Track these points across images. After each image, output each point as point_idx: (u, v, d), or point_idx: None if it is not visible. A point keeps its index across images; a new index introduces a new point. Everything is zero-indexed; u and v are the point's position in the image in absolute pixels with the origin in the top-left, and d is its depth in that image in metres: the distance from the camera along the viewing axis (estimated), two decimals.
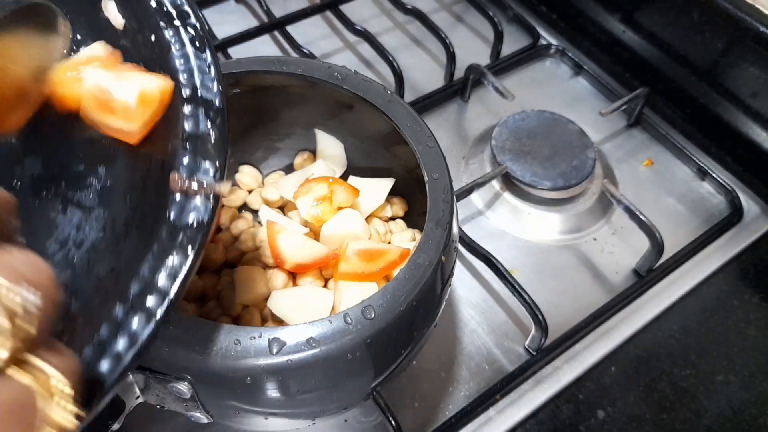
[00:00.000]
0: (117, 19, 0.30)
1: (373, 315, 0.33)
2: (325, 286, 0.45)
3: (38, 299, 0.17)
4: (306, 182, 0.48)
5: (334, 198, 0.46)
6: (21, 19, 0.27)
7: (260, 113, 0.49)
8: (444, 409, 0.48)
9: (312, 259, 0.43)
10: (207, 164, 0.27)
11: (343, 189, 0.46)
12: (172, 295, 0.25)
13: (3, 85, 0.27)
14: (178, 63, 0.28)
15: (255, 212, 0.51)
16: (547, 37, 0.76)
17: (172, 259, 0.25)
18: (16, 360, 0.17)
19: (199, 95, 0.28)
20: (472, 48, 0.74)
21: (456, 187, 0.52)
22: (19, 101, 0.28)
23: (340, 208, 0.47)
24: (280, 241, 0.43)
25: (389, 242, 0.48)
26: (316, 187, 0.47)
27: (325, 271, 0.45)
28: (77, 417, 0.18)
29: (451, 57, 0.68)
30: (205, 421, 0.36)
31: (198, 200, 0.27)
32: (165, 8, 0.29)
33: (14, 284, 0.17)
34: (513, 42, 0.74)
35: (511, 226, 0.59)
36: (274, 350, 0.31)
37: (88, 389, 0.21)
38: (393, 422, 0.43)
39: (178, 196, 0.26)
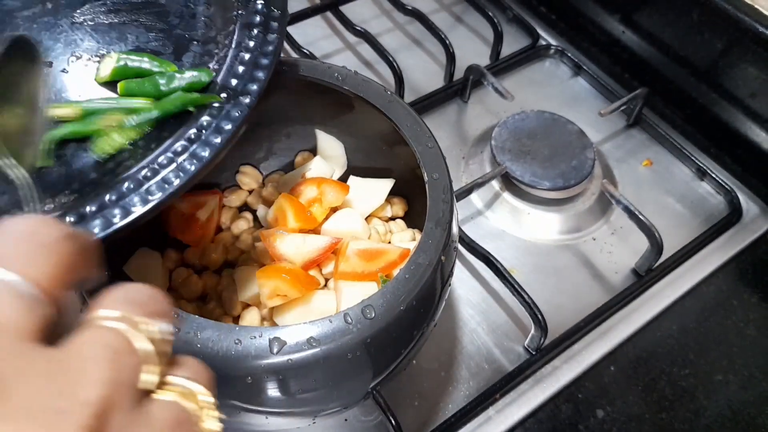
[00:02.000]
0: None
1: (373, 315, 0.33)
2: (325, 286, 0.45)
3: (169, 327, 0.20)
4: (297, 186, 0.48)
5: (324, 198, 0.46)
6: (12, 57, 0.29)
7: (261, 113, 0.50)
8: (444, 409, 0.48)
9: (316, 253, 0.44)
10: None
11: (332, 188, 0.47)
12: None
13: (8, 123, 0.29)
14: None
15: (255, 212, 0.51)
16: (547, 38, 0.76)
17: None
18: (162, 383, 0.19)
19: None
20: (472, 48, 0.74)
21: (456, 187, 0.52)
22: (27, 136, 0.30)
23: (333, 209, 0.47)
24: (279, 246, 0.43)
25: (389, 242, 0.48)
26: (307, 190, 0.47)
27: (325, 270, 0.45)
28: (220, 420, 0.20)
29: (451, 57, 0.68)
30: None
31: None
32: None
33: (147, 317, 0.19)
34: (513, 42, 0.74)
35: (511, 226, 0.59)
36: (275, 350, 0.31)
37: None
38: (393, 421, 0.43)
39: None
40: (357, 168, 0.51)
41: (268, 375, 0.32)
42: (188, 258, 0.48)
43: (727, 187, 0.62)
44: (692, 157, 0.64)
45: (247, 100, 0.36)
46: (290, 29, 0.71)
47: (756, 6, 0.58)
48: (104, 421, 0.16)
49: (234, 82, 0.37)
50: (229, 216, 0.50)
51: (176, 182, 0.32)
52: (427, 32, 0.70)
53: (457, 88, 0.69)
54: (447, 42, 0.68)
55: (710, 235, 0.59)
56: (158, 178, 0.32)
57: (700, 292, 0.56)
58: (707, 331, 0.53)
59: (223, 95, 0.36)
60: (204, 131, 0.34)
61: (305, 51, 0.68)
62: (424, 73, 0.71)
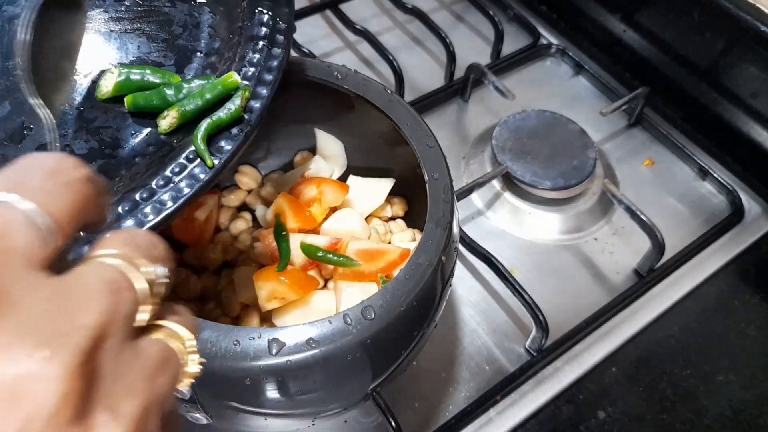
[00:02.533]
0: None
1: (373, 315, 0.33)
2: (324, 286, 0.45)
3: (167, 271, 0.21)
4: (296, 185, 0.48)
5: (323, 198, 0.46)
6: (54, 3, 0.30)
7: None
8: (444, 410, 0.48)
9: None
10: None
11: (332, 188, 0.46)
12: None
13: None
14: None
15: (254, 212, 0.51)
16: (548, 37, 0.76)
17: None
18: (154, 325, 0.21)
19: None
20: (473, 47, 0.74)
21: (456, 186, 0.52)
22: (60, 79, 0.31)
23: (333, 209, 0.47)
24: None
25: (389, 242, 0.48)
26: (306, 189, 0.47)
27: (324, 271, 0.45)
28: (201, 363, 0.22)
29: (452, 56, 0.68)
30: (205, 421, 0.36)
31: None
32: None
33: (147, 260, 0.21)
34: (513, 41, 0.74)
35: (512, 226, 0.59)
36: (274, 351, 0.31)
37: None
38: (393, 423, 0.43)
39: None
40: (357, 168, 0.51)
41: (267, 376, 0.32)
42: (187, 258, 0.48)
43: (728, 186, 0.62)
44: (694, 157, 0.64)
45: (250, 118, 0.36)
46: None
47: (757, 5, 0.58)
48: (98, 346, 0.17)
49: None
50: (228, 216, 0.50)
51: (169, 204, 0.32)
52: (427, 31, 0.70)
53: (458, 88, 0.69)
54: (447, 41, 0.68)
55: (712, 236, 0.58)
56: (154, 199, 0.33)
57: (701, 292, 0.56)
58: (709, 331, 0.53)
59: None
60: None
61: (305, 50, 0.68)
62: (424, 72, 0.71)
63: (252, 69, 0.37)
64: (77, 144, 0.34)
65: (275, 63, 0.37)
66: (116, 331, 0.18)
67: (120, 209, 0.32)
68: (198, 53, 0.39)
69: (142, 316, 0.20)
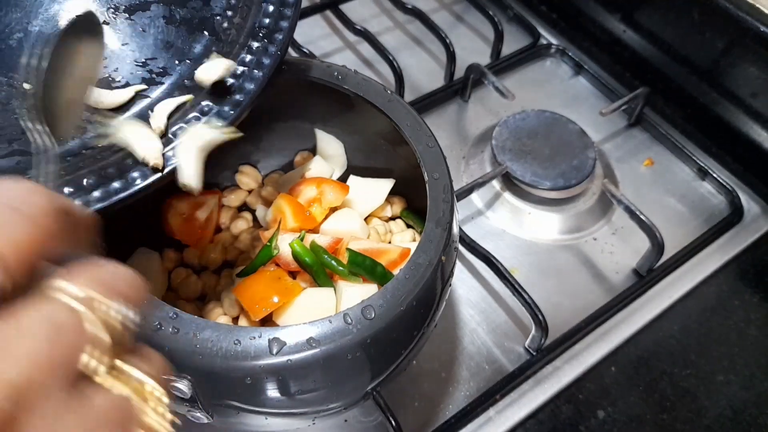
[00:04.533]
0: None
1: (373, 315, 0.33)
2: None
3: (136, 315, 0.19)
4: (296, 185, 0.48)
5: (323, 198, 0.46)
6: (74, 32, 0.30)
7: (260, 113, 0.49)
8: (444, 409, 0.48)
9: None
10: None
11: (332, 188, 0.46)
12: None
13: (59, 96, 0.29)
14: None
15: (254, 212, 0.51)
16: (548, 37, 0.76)
17: None
18: (112, 370, 0.18)
19: None
20: (473, 48, 0.74)
21: (456, 186, 0.52)
22: (70, 109, 0.30)
23: (333, 209, 0.47)
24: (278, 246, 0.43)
25: (389, 242, 0.48)
26: (306, 189, 0.47)
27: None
28: (172, 423, 0.19)
29: (451, 57, 0.68)
30: (205, 420, 0.36)
31: None
32: None
33: (112, 300, 0.18)
34: (513, 42, 0.74)
35: (511, 226, 0.59)
36: (274, 350, 0.31)
37: None
38: (393, 422, 0.43)
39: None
40: (357, 168, 0.51)
41: (268, 375, 0.32)
42: (187, 258, 0.48)
43: (728, 186, 0.62)
44: (693, 157, 0.64)
45: (253, 86, 0.37)
46: None
47: (757, 5, 0.58)
48: (24, 405, 0.15)
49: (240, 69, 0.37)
50: (229, 216, 0.50)
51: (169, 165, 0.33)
52: (427, 31, 0.70)
53: (458, 88, 0.69)
54: (447, 41, 0.68)
55: (711, 235, 0.58)
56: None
57: (701, 292, 0.56)
58: (708, 331, 0.53)
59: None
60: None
61: (305, 50, 0.68)
62: (424, 73, 0.71)
63: (257, 44, 0.38)
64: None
65: (280, 36, 0.39)
66: (52, 383, 0.16)
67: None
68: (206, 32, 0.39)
69: (92, 361, 0.17)
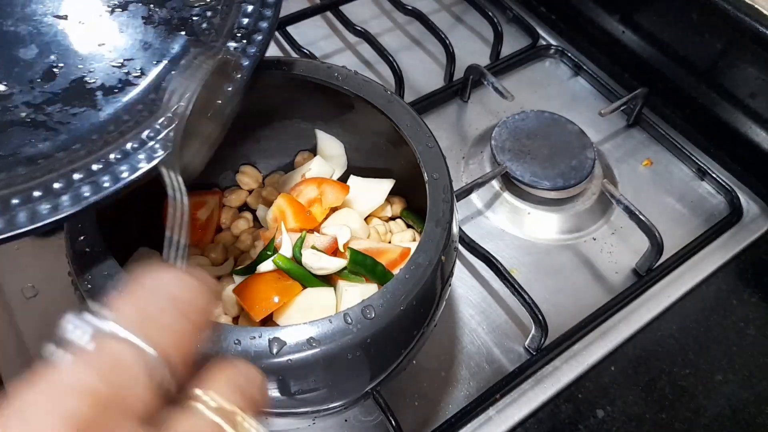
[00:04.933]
0: None
1: (373, 315, 0.33)
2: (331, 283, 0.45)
3: (264, 428, 0.19)
4: (296, 186, 0.48)
5: (324, 198, 0.46)
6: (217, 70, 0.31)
7: (260, 113, 0.50)
8: (444, 409, 0.48)
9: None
10: None
11: (332, 188, 0.47)
12: None
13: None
14: None
15: (255, 212, 0.51)
16: (547, 38, 0.76)
17: None
18: None
19: None
20: (472, 48, 0.74)
21: (456, 187, 0.52)
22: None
23: (333, 209, 0.47)
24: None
25: (389, 242, 0.48)
26: (306, 190, 0.47)
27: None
28: None
29: (451, 57, 0.68)
30: None
31: None
32: None
33: (249, 411, 0.19)
34: (513, 42, 0.74)
35: (511, 226, 0.59)
36: (275, 350, 0.31)
37: None
38: (393, 422, 0.43)
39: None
40: (357, 168, 0.51)
41: (268, 375, 0.32)
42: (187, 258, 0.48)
43: (727, 186, 0.62)
44: (692, 157, 0.64)
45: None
46: (290, 29, 0.71)
47: (756, 6, 0.58)
48: None
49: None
50: (229, 216, 0.50)
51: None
52: (427, 32, 0.70)
53: (457, 88, 0.69)
54: (447, 42, 0.68)
55: (710, 235, 0.59)
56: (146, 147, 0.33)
57: (700, 291, 0.56)
58: (707, 330, 0.53)
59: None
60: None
61: (305, 51, 0.68)
62: (424, 73, 0.71)
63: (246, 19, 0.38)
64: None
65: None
66: None
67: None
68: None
69: None
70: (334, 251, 0.44)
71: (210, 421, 0.18)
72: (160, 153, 0.32)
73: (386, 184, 0.49)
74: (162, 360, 0.17)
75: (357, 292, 0.41)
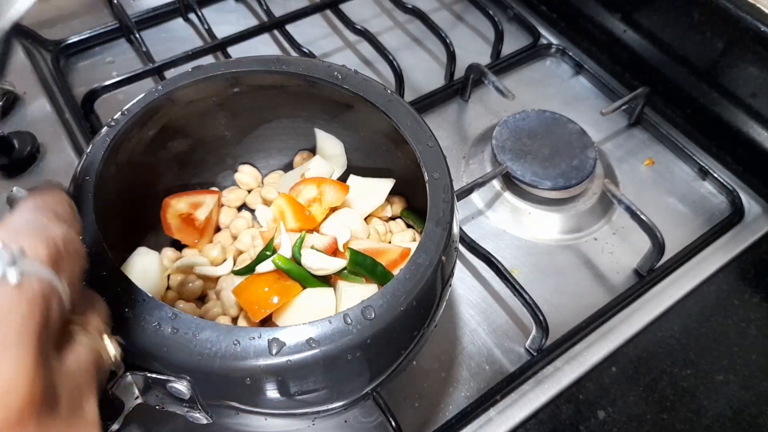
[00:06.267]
0: None
1: (373, 315, 0.33)
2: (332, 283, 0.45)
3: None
4: (296, 185, 0.48)
5: (324, 198, 0.46)
6: None
7: (260, 113, 0.49)
8: (444, 410, 0.48)
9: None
10: None
11: (332, 188, 0.46)
12: None
13: None
14: None
15: (254, 212, 0.51)
16: (548, 37, 0.76)
17: None
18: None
19: None
20: (473, 47, 0.74)
21: (456, 186, 0.52)
22: None
23: (333, 209, 0.47)
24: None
25: (389, 242, 0.48)
26: (306, 189, 0.47)
27: None
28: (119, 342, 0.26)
29: (452, 56, 0.68)
30: (205, 421, 0.36)
31: None
32: None
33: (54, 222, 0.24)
34: (513, 41, 0.74)
35: (512, 226, 0.59)
36: (274, 351, 0.31)
37: None
38: (393, 422, 0.43)
39: None
40: (357, 167, 0.51)
41: (267, 376, 0.32)
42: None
43: (728, 186, 0.62)
44: (694, 157, 0.64)
45: None
46: (289, 28, 0.70)
47: (757, 5, 0.58)
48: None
49: None
50: (228, 216, 0.50)
51: None
52: (427, 31, 0.70)
53: (458, 87, 0.69)
54: (447, 41, 0.68)
55: (712, 235, 0.58)
56: None
57: (701, 292, 0.56)
58: (708, 331, 0.53)
59: None
60: None
61: (305, 50, 0.68)
62: (424, 72, 0.71)
63: None
64: None
65: None
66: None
67: None
68: None
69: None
70: (333, 251, 0.44)
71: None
72: None
73: (386, 184, 0.49)
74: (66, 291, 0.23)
75: (357, 293, 0.41)
